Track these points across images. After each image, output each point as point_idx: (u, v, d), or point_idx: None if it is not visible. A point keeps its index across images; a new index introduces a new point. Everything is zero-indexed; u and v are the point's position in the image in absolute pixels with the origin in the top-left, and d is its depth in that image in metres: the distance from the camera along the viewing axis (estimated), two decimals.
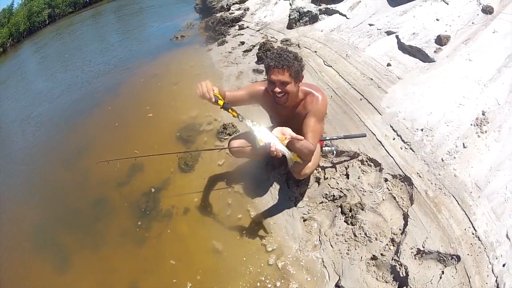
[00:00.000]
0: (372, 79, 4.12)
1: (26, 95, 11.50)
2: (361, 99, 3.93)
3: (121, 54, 11.54)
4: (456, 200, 2.60)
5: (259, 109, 3.37)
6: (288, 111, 2.98)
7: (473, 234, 2.38)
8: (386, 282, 2.51)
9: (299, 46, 5.80)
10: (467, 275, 2.23)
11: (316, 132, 2.86)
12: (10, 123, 9.43)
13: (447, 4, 4.50)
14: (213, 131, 4.93)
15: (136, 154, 4.56)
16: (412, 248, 2.51)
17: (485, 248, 2.29)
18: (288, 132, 2.50)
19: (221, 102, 2.74)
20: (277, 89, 2.75)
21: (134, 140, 5.66)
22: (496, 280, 2.15)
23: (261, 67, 5.71)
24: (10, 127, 9.18)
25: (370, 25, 5.23)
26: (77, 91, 9.35)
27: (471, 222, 2.44)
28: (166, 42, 10.53)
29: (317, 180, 3.40)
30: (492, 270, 2.19)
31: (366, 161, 3.26)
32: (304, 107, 2.91)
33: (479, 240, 2.34)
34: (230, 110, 2.74)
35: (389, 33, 4.77)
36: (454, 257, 2.34)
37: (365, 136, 3.24)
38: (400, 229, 2.70)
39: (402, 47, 4.35)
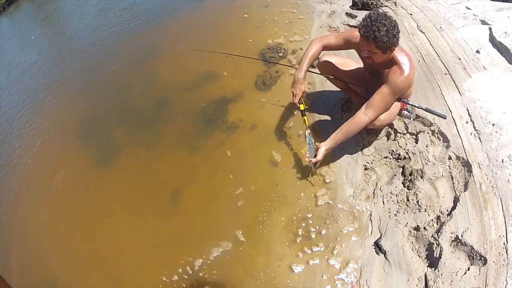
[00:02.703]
0: (460, 58, 4.18)
1: None
2: (446, 74, 4.02)
3: None
4: (502, 204, 2.66)
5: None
6: (376, 67, 3.09)
7: (504, 244, 2.46)
8: (419, 257, 2.71)
9: (395, 4, 5.76)
10: (485, 282, 2.34)
11: (382, 103, 3.02)
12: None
13: None
14: (297, 58, 4.94)
15: (225, 52, 4.59)
16: (452, 233, 2.65)
17: (508, 263, 2.37)
18: (319, 156, 3.12)
19: (302, 106, 3.34)
20: (364, 53, 2.89)
21: (218, 40, 5.78)
22: None
23: (355, 12, 5.72)
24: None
25: (468, 8, 5.20)
26: None
27: (506, 231, 2.51)
28: None
29: (388, 135, 3.58)
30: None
31: (437, 133, 3.39)
32: (387, 74, 2.95)
33: (507, 252, 2.42)
34: (304, 117, 3.36)
35: (483, 22, 4.78)
36: (482, 259, 2.45)
37: (446, 117, 3.26)
38: (447, 210, 2.84)
39: (493, 41, 4.37)
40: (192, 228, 3.40)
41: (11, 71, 8.11)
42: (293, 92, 3.30)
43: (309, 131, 3.29)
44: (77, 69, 6.63)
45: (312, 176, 3.35)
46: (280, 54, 5.20)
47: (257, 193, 3.44)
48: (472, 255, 2.52)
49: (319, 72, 3.82)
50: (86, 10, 10.27)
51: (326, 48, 3.35)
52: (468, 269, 2.46)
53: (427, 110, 3.32)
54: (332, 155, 3.51)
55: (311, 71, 3.73)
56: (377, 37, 2.68)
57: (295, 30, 5.76)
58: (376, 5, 5.74)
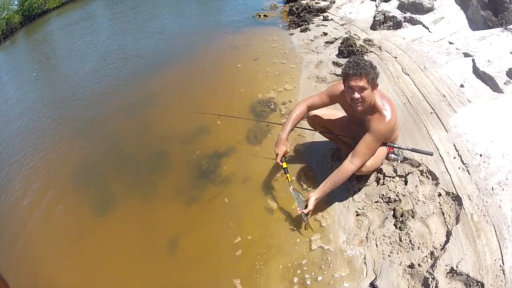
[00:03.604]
0: (444, 96, 4.31)
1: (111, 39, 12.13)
2: (431, 113, 4.13)
3: (200, 22, 11.83)
4: (495, 230, 2.70)
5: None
6: (359, 117, 3.23)
7: (500, 266, 2.48)
8: None
9: (380, 49, 6.01)
10: None
11: (367, 150, 3.17)
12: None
13: None
14: (287, 111, 5.11)
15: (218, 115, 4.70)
16: (447, 266, 2.65)
17: (505, 283, 2.38)
18: (310, 206, 3.22)
19: (284, 164, 3.48)
20: (356, 95, 2.98)
21: (208, 101, 6.02)
22: None
23: (341, 60, 5.95)
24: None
25: (450, 43, 5.40)
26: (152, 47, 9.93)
27: (501, 254, 2.53)
28: (249, 19, 10.64)
29: (377, 180, 3.62)
30: None
31: (426, 173, 3.44)
32: (370, 122, 3.12)
33: (503, 274, 2.43)
34: (287, 174, 3.50)
35: (466, 55, 4.93)
36: (479, 284, 2.45)
37: (432, 154, 3.36)
38: (441, 245, 2.86)
39: (476, 72, 4.50)
40: (190, 277, 3.41)
41: (11, 107, 8.61)
42: (276, 152, 3.45)
43: (292, 187, 3.43)
44: (75, 116, 6.94)
45: (305, 228, 3.39)
46: (271, 107, 5.39)
47: (254, 242, 3.49)
48: (468, 282, 2.52)
49: (309, 128, 3.99)
50: (85, 55, 10.90)
51: (311, 108, 3.56)
52: None
53: (413, 150, 3.40)
54: (324, 204, 3.56)
55: (300, 128, 3.85)
56: (366, 69, 2.92)
57: (285, 81, 6.05)
58: (361, 52, 5.97)
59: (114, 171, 5.01)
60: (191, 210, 4.04)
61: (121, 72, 8.49)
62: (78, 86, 8.48)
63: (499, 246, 2.60)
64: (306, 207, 3.26)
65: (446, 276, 2.63)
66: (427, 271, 2.72)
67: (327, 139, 4.09)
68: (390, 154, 3.50)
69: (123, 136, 5.82)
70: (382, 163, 3.64)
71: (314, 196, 3.24)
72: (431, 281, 2.63)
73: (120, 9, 17.22)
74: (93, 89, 8.02)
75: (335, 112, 3.80)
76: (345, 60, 5.36)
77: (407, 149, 3.41)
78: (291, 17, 9.60)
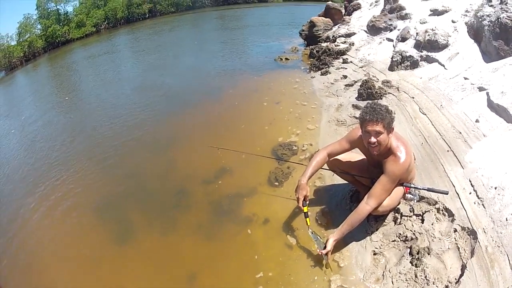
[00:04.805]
0: (460, 132, 4.37)
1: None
2: (448, 151, 4.21)
3: (224, 64, 12.09)
4: (509, 259, 2.74)
5: None
6: (376, 159, 3.39)
7: None
8: None
9: (398, 90, 6.14)
10: None
11: (382, 191, 3.30)
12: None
13: None
14: (307, 154, 5.27)
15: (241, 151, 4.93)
16: None
17: None
18: (329, 247, 3.34)
19: (305, 209, 3.60)
20: (373, 139, 3.16)
21: (232, 137, 6.29)
22: None
23: (361, 103, 6.09)
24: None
25: (465, 78, 5.46)
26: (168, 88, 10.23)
27: None
28: (271, 62, 10.96)
29: (394, 220, 3.70)
30: None
31: (442, 210, 3.51)
32: (386, 164, 3.27)
33: None
34: (307, 219, 3.61)
35: (481, 89, 4.99)
36: None
37: (448, 193, 3.44)
38: (455, 279, 2.90)
39: (491, 105, 4.54)
40: None
41: (33, 132, 8.96)
42: (297, 196, 3.58)
43: (311, 230, 3.57)
44: (99, 149, 7.11)
45: (326, 267, 3.48)
46: (293, 150, 5.54)
47: (273, 280, 3.54)
48: None
49: (328, 169, 4.10)
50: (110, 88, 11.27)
51: (331, 155, 3.70)
52: None
53: (429, 190, 3.48)
54: (343, 244, 3.64)
55: (323, 169, 3.98)
56: (382, 114, 3.11)
57: (306, 123, 6.22)
58: (380, 94, 6.10)
59: (137, 205, 5.10)
60: (211, 246, 4.11)
61: (145, 110, 8.77)
62: (101, 121, 8.81)
63: None
64: (325, 248, 3.38)
65: None
66: None
67: (347, 182, 4.20)
68: (406, 194, 3.58)
69: (146, 172, 5.98)
70: (399, 203, 3.71)
71: (332, 237, 3.37)
72: None
73: (145, 45, 17.73)
74: (115, 125, 8.29)
75: (354, 155, 3.93)
76: (365, 102, 5.56)
77: (422, 188, 3.48)
78: (312, 59, 9.92)
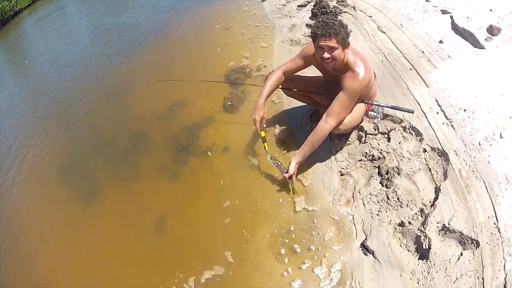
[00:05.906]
0: (423, 52, 4.21)
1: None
2: (410, 69, 4.04)
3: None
4: (486, 186, 2.68)
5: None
6: (333, 75, 3.14)
7: (494, 224, 2.47)
8: (409, 251, 2.65)
9: (354, 9, 5.83)
10: (482, 263, 2.33)
11: (341, 109, 3.08)
12: None
13: None
14: (262, 76, 5.01)
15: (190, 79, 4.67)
16: (438, 223, 2.63)
17: (502, 241, 2.37)
18: (291, 171, 3.18)
19: (262, 133, 3.43)
20: (326, 55, 2.92)
21: (183, 68, 5.96)
22: (505, 278, 2.22)
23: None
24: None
25: (427, 0, 5.24)
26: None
27: (495, 211, 2.53)
28: None
29: (359, 138, 3.54)
30: (504, 266, 2.27)
31: (409, 129, 3.37)
32: (343, 80, 3.05)
33: (499, 231, 2.42)
34: (264, 144, 3.45)
35: (444, 12, 4.82)
36: (474, 242, 2.44)
37: (413, 112, 3.27)
38: (430, 202, 2.83)
39: (455, 28, 4.41)
40: (181, 253, 3.30)
41: None
42: (253, 118, 3.35)
43: (270, 155, 3.41)
44: (50, 107, 6.59)
45: (292, 192, 3.31)
46: (246, 72, 5.26)
47: (239, 209, 3.41)
48: (463, 240, 2.50)
49: (286, 88, 3.78)
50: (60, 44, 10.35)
51: (287, 73, 3.43)
52: (461, 254, 2.44)
53: (393, 107, 3.32)
54: (307, 166, 3.49)
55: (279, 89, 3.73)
56: (335, 29, 2.83)
57: (258, 47, 5.89)
58: (335, 13, 5.78)
59: (96, 157, 4.83)
60: (175, 185, 3.94)
61: (92, 59, 7.99)
62: (50, 78, 8.01)
63: (492, 203, 2.59)
64: (287, 172, 3.20)
65: (439, 234, 2.61)
66: (418, 229, 2.69)
67: (305, 104, 3.99)
68: (369, 112, 3.42)
69: (101, 121, 5.58)
70: (362, 121, 3.55)
71: (294, 160, 3.21)
72: (424, 239, 2.61)
73: None
74: (63, 79, 7.55)
75: (309, 73, 3.70)
76: None
77: (386, 106, 3.31)
78: None
